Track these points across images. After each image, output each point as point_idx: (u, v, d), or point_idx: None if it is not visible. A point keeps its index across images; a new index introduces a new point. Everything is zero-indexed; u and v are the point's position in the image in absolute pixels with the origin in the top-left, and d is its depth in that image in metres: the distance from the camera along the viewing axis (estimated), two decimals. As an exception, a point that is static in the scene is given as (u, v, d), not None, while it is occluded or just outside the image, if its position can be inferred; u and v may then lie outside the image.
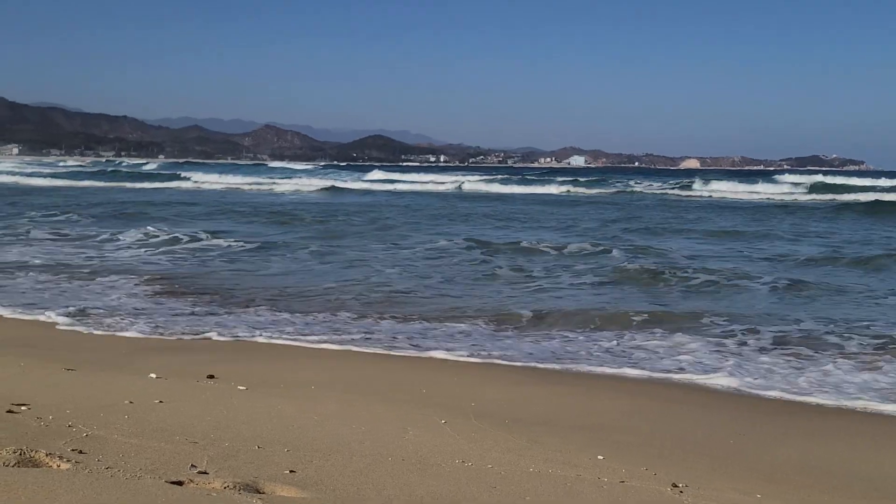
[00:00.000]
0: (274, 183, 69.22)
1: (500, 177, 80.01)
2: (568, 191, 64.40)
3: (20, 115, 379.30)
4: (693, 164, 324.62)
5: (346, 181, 74.09)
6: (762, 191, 60.08)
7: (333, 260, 19.81)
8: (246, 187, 66.89)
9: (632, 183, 70.84)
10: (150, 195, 51.86)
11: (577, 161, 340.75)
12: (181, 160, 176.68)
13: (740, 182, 66.29)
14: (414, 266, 18.73)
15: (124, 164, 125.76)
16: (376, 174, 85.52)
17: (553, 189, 65.31)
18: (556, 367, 10.05)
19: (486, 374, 9.64)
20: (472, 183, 70.67)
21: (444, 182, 72.76)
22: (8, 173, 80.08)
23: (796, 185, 62.68)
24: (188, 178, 75.12)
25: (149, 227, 26.12)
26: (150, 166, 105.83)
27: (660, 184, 69.34)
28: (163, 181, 73.12)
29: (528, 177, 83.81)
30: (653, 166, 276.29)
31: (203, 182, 72.26)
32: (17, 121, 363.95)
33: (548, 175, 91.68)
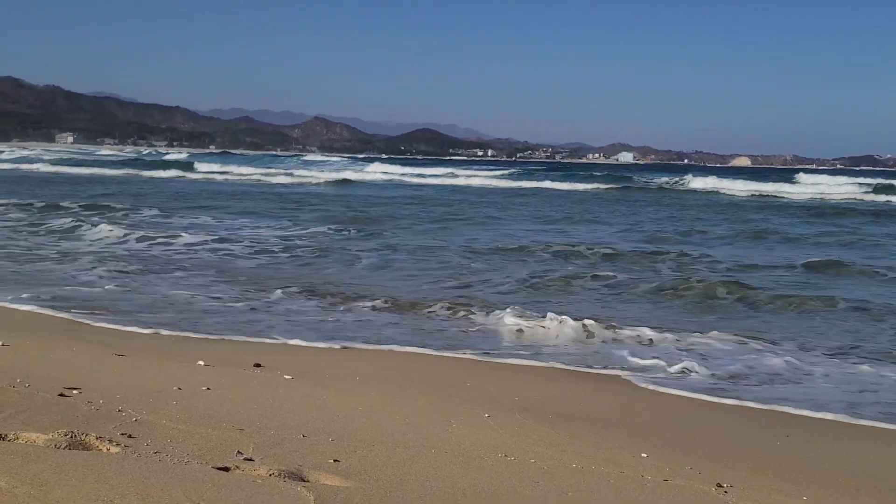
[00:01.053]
0: (288, 174, 68.96)
1: (509, 171, 79.79)
2: (597, 187, 62.54)
3: (76, 105, 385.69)
4: (744, 161, 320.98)
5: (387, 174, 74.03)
6: (777, 191, 59.28)
7: (396, 258, 19.86)
8: (267, 178, 66.01)
9: (666, 179, 69.61)
10: (162, 185, 52.09)
11: (626, 157, 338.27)
12: (217, 151, 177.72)
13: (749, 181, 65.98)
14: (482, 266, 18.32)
15: (152, 153, 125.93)
16: (377, 166, 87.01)
17: (580, 185, 63.64)
18: (605, 371, 9.98)
19: (530, 371, 9.63)
20: (483, 178, 70.48)
21: (459, 175, 73.20)
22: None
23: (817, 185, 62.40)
24: (197, 169, 75.41)
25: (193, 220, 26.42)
26: (173, 156, 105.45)
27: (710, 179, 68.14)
28: (165, 169, 73.42)
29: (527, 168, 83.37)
30: (703, 164, 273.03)
31: (210, 173, 72.16)
32: (73, 110, 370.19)
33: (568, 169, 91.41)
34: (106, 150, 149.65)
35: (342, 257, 18.87)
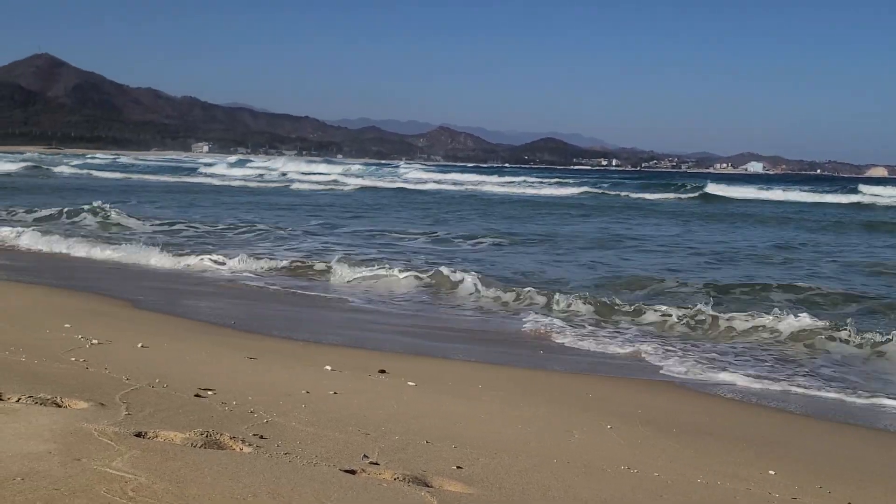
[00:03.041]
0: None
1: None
2: (674, 197, 58.26)
3: (211, 115, 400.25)
4: (880, 172, 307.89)
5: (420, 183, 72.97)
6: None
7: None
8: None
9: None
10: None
11: (755, 167, 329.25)
12: (308, 158, 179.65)
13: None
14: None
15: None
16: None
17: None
18: (728, 378, 9.80)
19: (653, 385, 9.51)
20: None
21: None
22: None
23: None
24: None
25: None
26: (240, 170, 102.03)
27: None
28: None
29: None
30: (836, 174, 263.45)
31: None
32: (209, 120, 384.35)
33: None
34: (209, 158, 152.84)
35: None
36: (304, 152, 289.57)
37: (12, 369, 6.66)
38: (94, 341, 8.50)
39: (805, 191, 64.50)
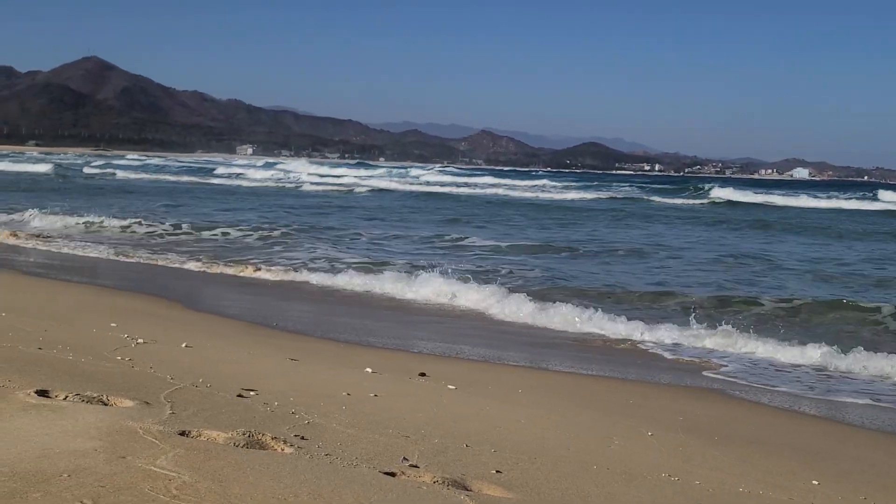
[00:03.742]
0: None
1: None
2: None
3: (255, 118, 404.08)
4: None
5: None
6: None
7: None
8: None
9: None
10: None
11: (801, 173, 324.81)
12: (332, 162, 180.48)
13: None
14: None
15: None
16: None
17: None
18: (773, 387, 9.71)
19: (695, 392, 9.43)
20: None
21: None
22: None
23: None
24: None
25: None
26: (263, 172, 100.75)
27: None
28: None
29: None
30: (884, 181, 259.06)
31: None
32: (253, 123, 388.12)
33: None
34: (242, 160, 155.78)
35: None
36: (346, 155, 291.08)
37: (60, 367, 6.77)
38: (140, 340, 8.61)
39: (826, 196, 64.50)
